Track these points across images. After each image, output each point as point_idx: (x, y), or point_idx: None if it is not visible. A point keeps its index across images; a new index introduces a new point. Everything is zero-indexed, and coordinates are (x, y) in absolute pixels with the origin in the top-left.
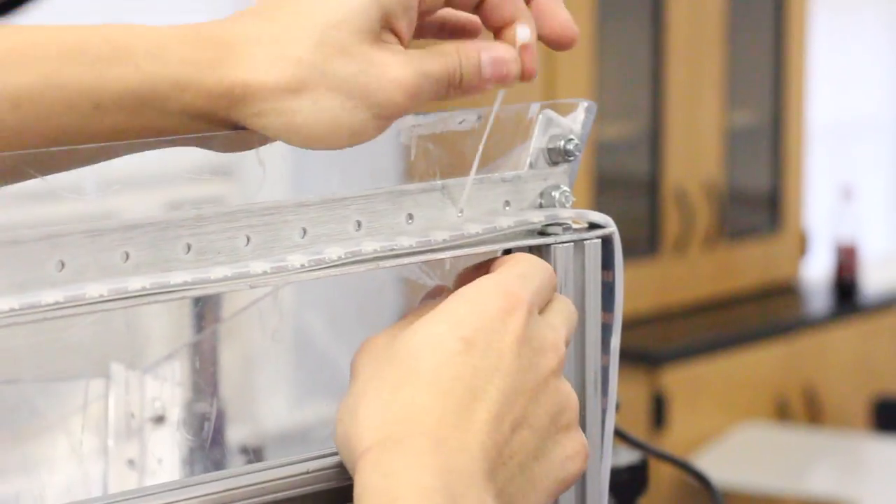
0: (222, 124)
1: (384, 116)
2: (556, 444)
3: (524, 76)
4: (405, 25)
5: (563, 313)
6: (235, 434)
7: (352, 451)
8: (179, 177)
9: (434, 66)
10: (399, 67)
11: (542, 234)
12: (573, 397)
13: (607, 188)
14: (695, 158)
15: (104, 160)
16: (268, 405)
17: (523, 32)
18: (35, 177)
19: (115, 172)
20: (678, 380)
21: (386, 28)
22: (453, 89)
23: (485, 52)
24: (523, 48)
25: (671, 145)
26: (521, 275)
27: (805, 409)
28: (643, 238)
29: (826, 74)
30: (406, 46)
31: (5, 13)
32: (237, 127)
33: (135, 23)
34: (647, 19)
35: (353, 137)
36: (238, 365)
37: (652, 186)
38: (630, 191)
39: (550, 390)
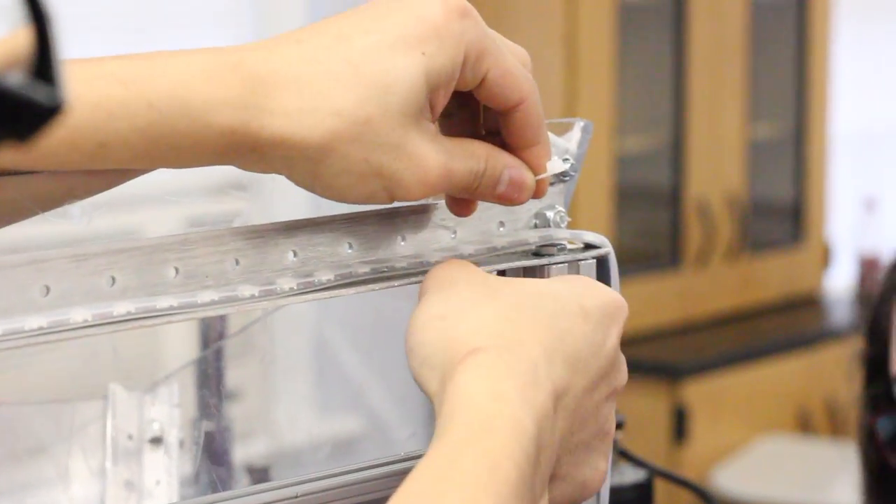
0: (240, 161)
1: (393, 197)
2: (588, 449)
3: (517, 202)
4: (441, 97)
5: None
6: (238, 454)
7: (456, 348)
8: (197, 193)
9: (461, 167)
10: (430, 160)
11: (536, 254)
12: (614, 428)
13: (629, 201)
14: (717, 170)
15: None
16: (273, 424)
17: (556, 167)
18: (37, 213)
19: (132, 189)
20: (700, 393)
21: (426, 101)
22: (465, 192)
23: (508, 170)
24: (542, 179)
25: (693, 157)
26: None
27: (827, 421)
28: (665, 250)
29: (849, 84)
30: (435, 119)
31: None
32: (253, 166)
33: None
34: (669, 31)
35: (364, 201)
36: (239, 385)
37: (674, 198)
38: (652, 203)
39: (609, 404)
